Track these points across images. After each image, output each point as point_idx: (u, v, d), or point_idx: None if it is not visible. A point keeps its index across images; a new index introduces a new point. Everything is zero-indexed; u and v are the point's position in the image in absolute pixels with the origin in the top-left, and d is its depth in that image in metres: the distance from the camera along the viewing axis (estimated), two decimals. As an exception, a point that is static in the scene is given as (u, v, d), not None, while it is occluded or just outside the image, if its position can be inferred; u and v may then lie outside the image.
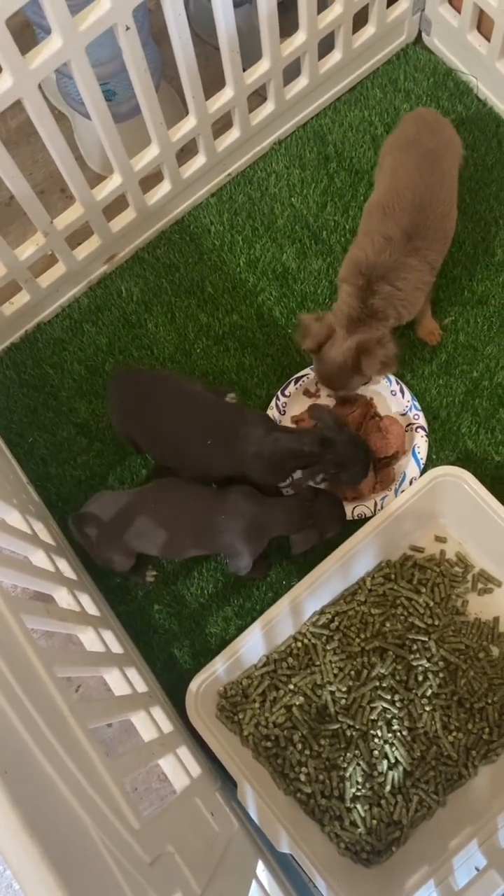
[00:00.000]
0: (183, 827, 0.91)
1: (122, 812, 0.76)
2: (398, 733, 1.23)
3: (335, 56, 1.56)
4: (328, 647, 1.28)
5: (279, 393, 1.45)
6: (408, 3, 1.57)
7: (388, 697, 1.24)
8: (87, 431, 1.48)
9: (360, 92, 1.65)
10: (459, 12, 1.52)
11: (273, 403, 1.44)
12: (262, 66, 1.45)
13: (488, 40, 1.50)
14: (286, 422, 1.44)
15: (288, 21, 1.43)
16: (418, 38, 1.67)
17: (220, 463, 1.28)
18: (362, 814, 1.21)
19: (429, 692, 1.24)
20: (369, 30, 1.57)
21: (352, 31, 1.53)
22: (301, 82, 1.55)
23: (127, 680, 1.12)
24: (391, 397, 1.44)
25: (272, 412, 1.44)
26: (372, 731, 1.24)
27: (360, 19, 1.53)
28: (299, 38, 1.45)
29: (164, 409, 1.29)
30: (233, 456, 1.26)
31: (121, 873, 0.67)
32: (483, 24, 1.52)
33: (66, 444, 1.49)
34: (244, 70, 1.43)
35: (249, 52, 1.43)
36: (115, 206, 1.47)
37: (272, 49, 1.42)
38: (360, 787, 1.22)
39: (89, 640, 1.13)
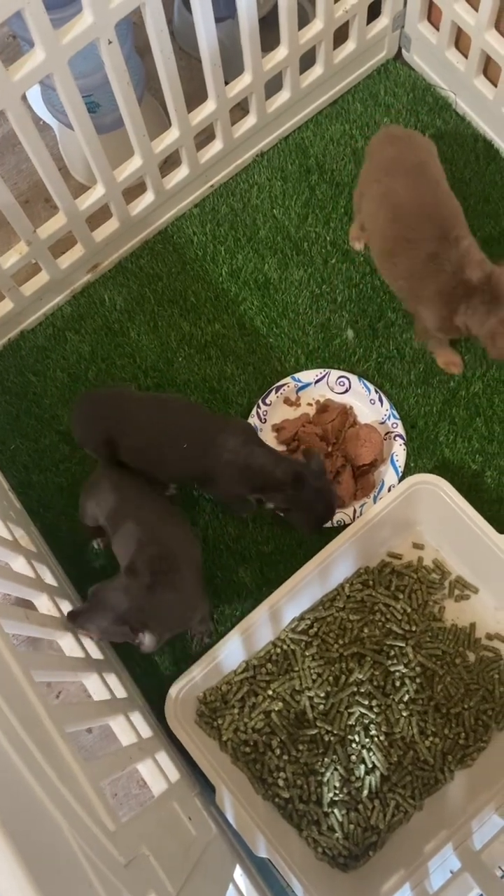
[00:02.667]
0: (159, 830, 0.92)
1: (98, 813, 0.77)
2: (375, 738, 1.24)
3: (317, 70, 1.59)
4: (307, 653, 1.29)
5: (260, 401, 1.46)
6: (388, 20, 1.60)
7: (366, 703, 1.25)
8: (69, 439, 1.49)
9: (342, 106, 1.68)
10: (438, 30, 1.55)
11: (254, 412, 1.46)
12: (245, 80, 1.47)
13: (466, 57, 1.53)
14: (267, 430, 1.46)
15: (270, 36, 1.45)
16: (398, 55, 1.70)
17: (192, 464, 1.29)
18: (340, 819, 1.22)
19: (406, 697, 1.26)
20: (350, 46, 1.59)
21: (333, 46, 1.56)
22: (283, 96, 1.58)
23: (106, 685, 1.13)
24: (370, 406, 1.46)
25: (253, 420, 1.45)
26: (350, 737, 1.25)
27: (341, 35, 1.56)
28: (281, 52, 1.48)
29: (146, 414, 1.30)
30: (205, 459, 1.27)
31: (94, 874, 0.68)
32: (461, 41, 1.55)
33: (49, 451, 1.49)
34: (227, 83, 1.45)
35: (232, 66, 1.45)
36: (99, 215, 1.48)
37: (254, 63, 1.44)
38: (337, 791, 1.23)
39: (69, 645, 1.14)
